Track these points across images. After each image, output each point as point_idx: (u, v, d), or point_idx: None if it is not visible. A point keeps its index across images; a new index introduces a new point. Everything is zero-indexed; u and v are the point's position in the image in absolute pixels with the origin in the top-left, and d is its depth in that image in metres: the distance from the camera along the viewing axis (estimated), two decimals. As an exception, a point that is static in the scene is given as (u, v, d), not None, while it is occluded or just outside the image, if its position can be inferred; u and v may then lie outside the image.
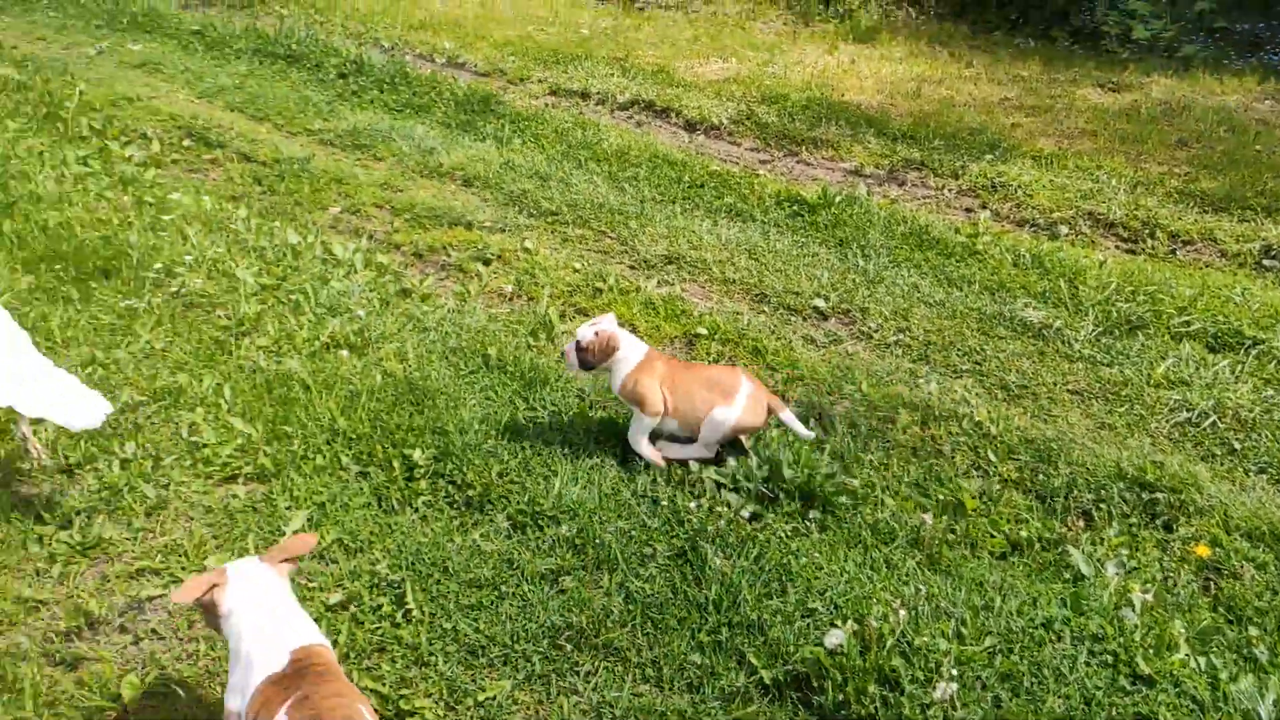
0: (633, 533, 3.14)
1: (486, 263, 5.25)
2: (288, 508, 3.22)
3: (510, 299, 4.92)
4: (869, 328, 4.65)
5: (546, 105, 7.68)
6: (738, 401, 3.39)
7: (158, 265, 4.74)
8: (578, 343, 3.50)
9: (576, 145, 6.78)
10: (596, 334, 3.47)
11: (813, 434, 3.53)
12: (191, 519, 3.19)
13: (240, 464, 3.45)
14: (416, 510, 3.26)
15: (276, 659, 2.12)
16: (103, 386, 3.81)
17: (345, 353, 4.20)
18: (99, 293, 4.51)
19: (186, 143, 6.64)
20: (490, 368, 4.13)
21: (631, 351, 3.50)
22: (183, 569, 2.97)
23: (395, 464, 3.42)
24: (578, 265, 5.21)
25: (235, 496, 3.30)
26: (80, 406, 3.08)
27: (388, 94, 7.70)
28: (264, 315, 4.45)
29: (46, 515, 3.16)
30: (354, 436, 3.57)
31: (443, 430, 3.59)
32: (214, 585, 2.21)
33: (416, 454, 3.45)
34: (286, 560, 2.33)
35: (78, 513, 3.12)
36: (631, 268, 5.29)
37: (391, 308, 4.63)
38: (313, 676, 2.08)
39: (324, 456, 3.48)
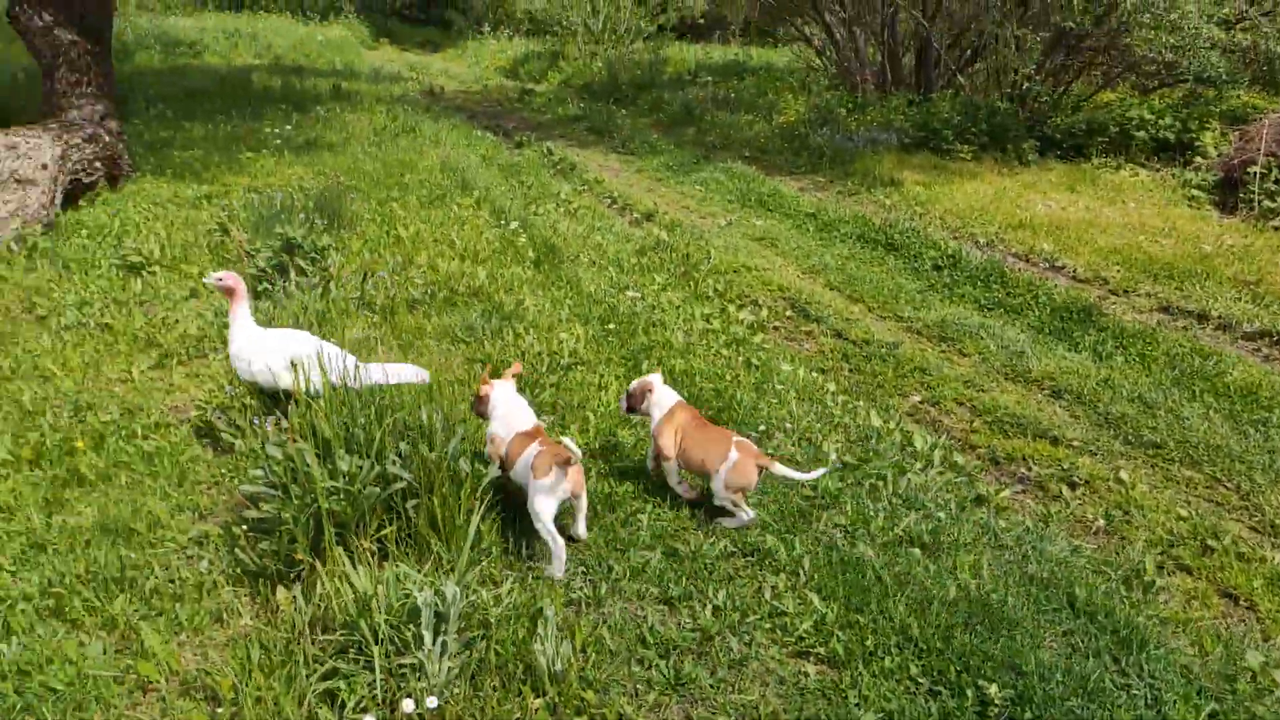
0: None
1: (1073, 486, 4.88)
2: (856, 705, 3.20)
3: (1097, 533, 4.48)
4: None
5: (1157, 324, 7.06)
6: (724, 464, 4.15)
7: (761, 425, 5.21)
8: (629, 391, 4.49)
9: (1191, 373, 6.09)
10: (639, 383, 4.47)
11: (811, 475, 4.32)
12: (766, 684, 3.32)
13: (814, 641, 3.53)
14: (988, 754, 3.02)
15: (526, 425, 4.08)
16: (705, 529, 4.24)
17: (917, 551, 4.15)
18: (708, 440, 5.07)
19: (789, 313, 7.32)
20: (1076, 610, 3.76)
21: (665, 399, 4.42)
22: (752, 733, 3.09)
23: (969, 693, 3.23)
24: (1184, 512, 4.59)
25: (805, 674, 3.37)
26: (415, 374, 4.63)
27: (980, 290, 7.73)
28: (843, 493, 4.60)
29: (650, 637, 3.53)
30: (924, 647, 3.46)
31: (1020, 670, 3.32)
32: (489, 388, 4.22)
33: (993, 689, 3.22)
34: (516, 376, 4.38)
35: (675, 648, 3.42)
36: (1254, 530, 4.51)
37: (967, 513, 4.49)
38: (543, 437, 4.00)
39: (893, 659, 3.41)
